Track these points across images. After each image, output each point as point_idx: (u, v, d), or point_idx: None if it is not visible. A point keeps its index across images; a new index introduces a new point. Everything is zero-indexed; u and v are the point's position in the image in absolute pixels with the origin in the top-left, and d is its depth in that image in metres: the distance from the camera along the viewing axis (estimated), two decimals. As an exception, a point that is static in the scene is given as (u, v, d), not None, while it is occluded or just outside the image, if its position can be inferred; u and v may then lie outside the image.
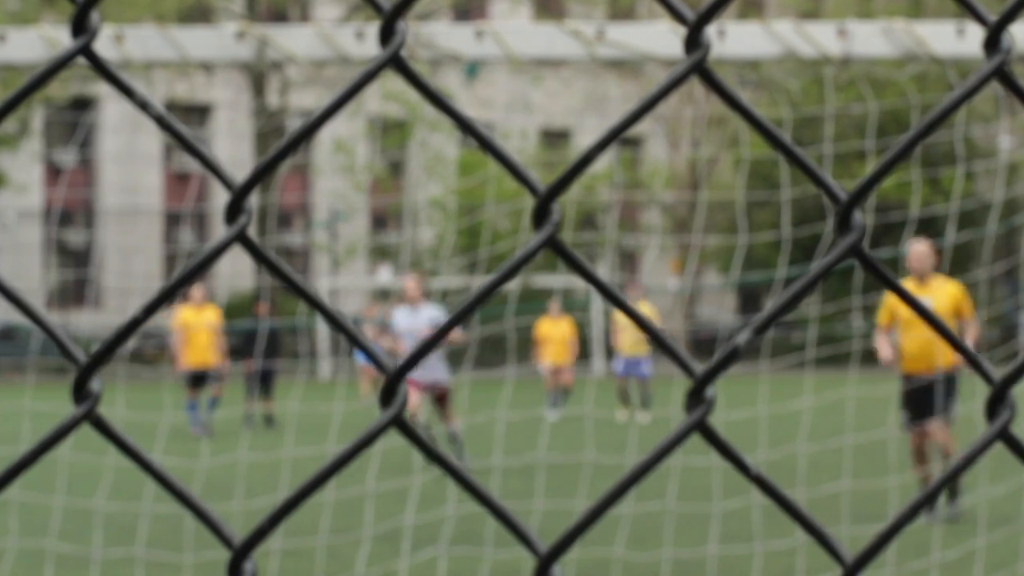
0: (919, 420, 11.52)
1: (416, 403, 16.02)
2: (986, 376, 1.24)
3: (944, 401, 11.50)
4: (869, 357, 18.85)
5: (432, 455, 1.19)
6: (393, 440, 12.12)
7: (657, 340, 1.21)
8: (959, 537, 10.77)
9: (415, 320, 16.09)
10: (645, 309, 24.19)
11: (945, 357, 11.51)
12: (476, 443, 16.83)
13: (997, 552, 10.26)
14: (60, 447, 13.21)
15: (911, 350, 11.55)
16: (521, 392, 23.86)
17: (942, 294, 11.56)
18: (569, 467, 14.78)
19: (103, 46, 6.95)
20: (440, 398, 15.83)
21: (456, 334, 16.21)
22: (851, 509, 11.67)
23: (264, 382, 23.41)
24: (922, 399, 11.48)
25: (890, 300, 11.69)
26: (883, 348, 11.56)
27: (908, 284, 11.57)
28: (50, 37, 7.04)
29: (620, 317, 24.13)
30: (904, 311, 11.48)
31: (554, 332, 25.47)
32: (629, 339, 23.61)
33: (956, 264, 21.92)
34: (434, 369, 15.80)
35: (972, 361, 1.26)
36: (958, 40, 7.31)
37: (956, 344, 1.26)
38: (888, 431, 15.10)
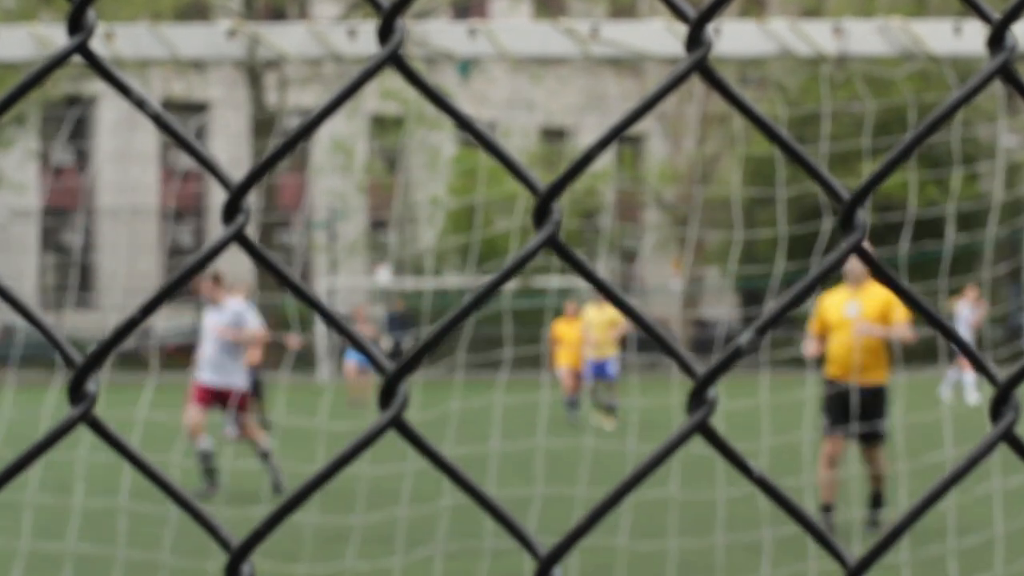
0: (837, 427, 11.56)
1: (199, 420, 14.26)
2: (990, 377, 1.24)
3: (875, 418, 11.57)
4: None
5: (434, 459, 1.19)
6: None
7: (659, 341, 1.20)
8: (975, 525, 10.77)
9: (220, 318, 14.53)
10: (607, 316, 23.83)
11: (873, 373, 11.62)
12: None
13: (968, 557, 10.27)
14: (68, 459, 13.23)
15: (836, 354, 11.67)
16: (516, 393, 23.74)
17: (872, 299, 11.68)
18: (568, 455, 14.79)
19: (93, 44, 6.93)
20: (239, 407, 14.35)
21: (253, 334, 14.63)
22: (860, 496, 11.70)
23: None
24: (844, 407, 11.58)
25: (820, 308, 11.84)
26: (810, 346, 11.78)
27: (842, 290, 11.76)
28: (41, 35, 7.04)
29: (589, 318, 23.80)
30: (832, 316, 11.64)
31: (571, 333, 24.17)
32: (593, 342, 23.33)
33: (959, 265, 21.93)
34: (226, 372, 14.37)
35: (976, 362, 1.25)
36: (956, 38, 7.31)
37: (959, 343, 1.26)
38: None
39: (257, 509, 12.25)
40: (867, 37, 7.39)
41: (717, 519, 11.00)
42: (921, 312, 1.25)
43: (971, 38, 7.22)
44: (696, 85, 41.70)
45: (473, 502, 1.20)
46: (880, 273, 1.22)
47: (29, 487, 12.01)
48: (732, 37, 7.34)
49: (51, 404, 10.82)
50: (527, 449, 14.30)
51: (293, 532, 10.89)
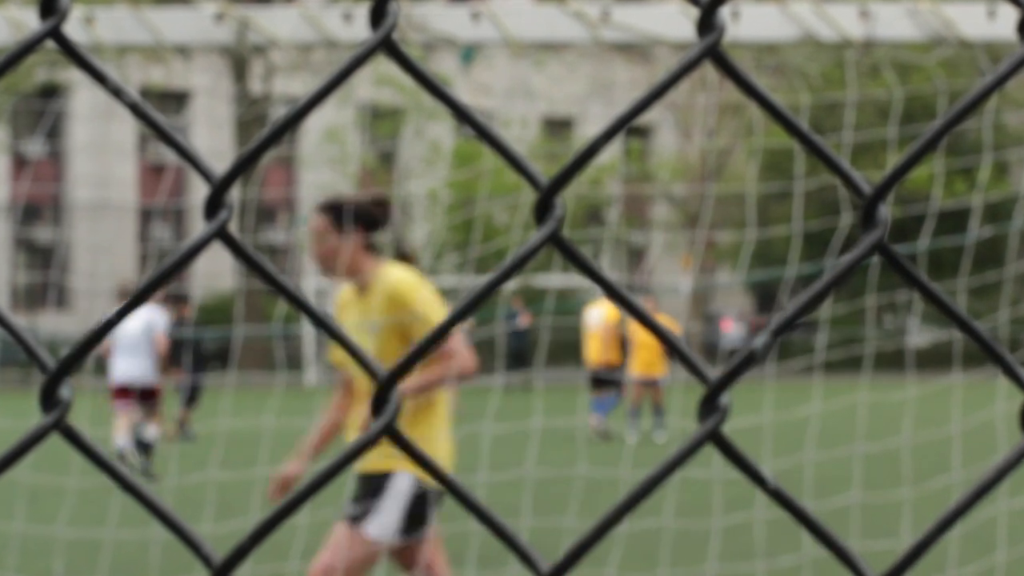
0: None
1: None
2: (1020, 382, 1.24)
3: None
4: (883, 360, 18.70)
5: (429, 467, 1.19)
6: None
7: (668, 344, 1.21)
8: (978, 552, 10.78)
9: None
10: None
11: None
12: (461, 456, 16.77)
13: (1018, 568, 10.28)
14: (20, 466, 13.20)
15: None
16: (513, 401, 23.69)
17: None
18: (559, 482, 14.77)
19: (72, 29, 6.95)
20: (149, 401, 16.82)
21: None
22: (861, 523, 11.70)
23: (192, 392, 23.17)
24: None
25: None
26: None
27: None
28: (15, 19, 7.04)
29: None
30: None
31: (645, 334, 21.49)
32: None
33: (983, 260, 21.95)
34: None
35: (1005, 365, 1.25)
36: (989, 22, 7.31)
37: (986, 345, 1.26)
38: (902, 439, 15.12)
39: (245, 521, 12.24)
40: (895, 21, 7.39)
41: (710, 550, 11.01)
42: (946, 312, 1.25)
43: (1006, 22, 7.22)
44: (709, 72, 41.63)
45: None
46: (902, 271, 1.22)
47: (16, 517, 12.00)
48: (752, 21, 7.34)
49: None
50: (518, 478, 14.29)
51: (280, 549, 10.90)
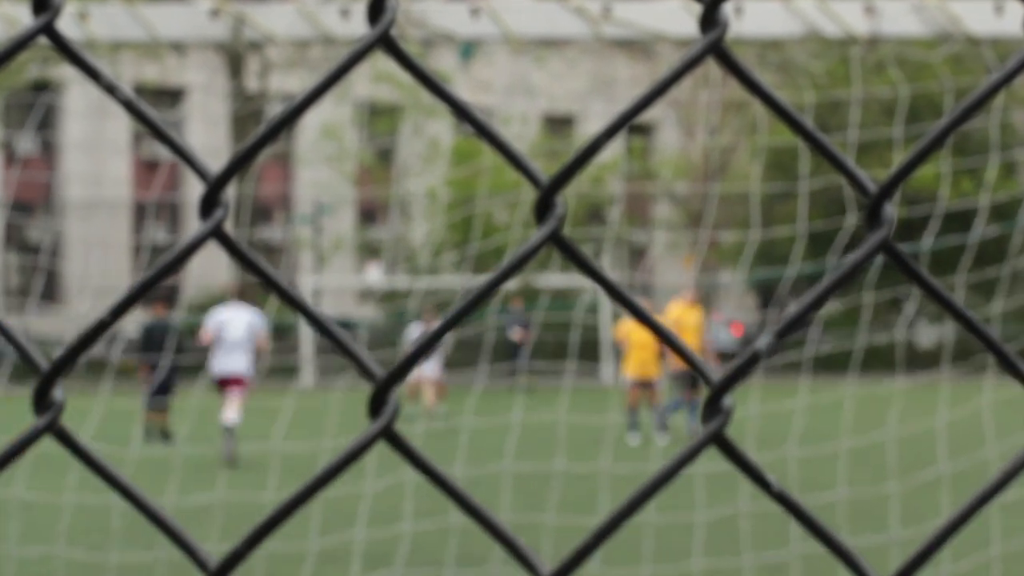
0: None
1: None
2: (1023, 379, 1.24)
3: None
4: (869, 357, 18.73)
5: (427, 471, 1.19)
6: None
7: (671, 345, 1.21)
8: (973, 546, 10.80)
9: None
10: (696, 315, 22.59)
11: None
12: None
13: (1012, 562, 10.32)
14: (14, 481, 13.17)
15: None
16: (497, 399, 23.62)
17: None
18: (537, 477, 14.75)
19: (66, 25, 6.95)
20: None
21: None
22: (849, 517, 11.73)
23: (163, 391, 22.98)
24: None
25: None
26: None
27: None
28: (7, 15, 7.05)
29: None
30: None
31: (641, 334, 21.67)
32: None
33: (987, 259, 21.94)
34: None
35: (1008, 362, 1.26)
36: (996, 18, 7.31)
37: (989, 342, 1.26)
38: (887, 432, 15.15)
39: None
40: (901, 17, 7.40)
41: (694, 543, 11.03)
42: (952, 313, 1.25)
43: (1013, 18, 7.22)
44: (712, 69, 41.61)
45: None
46: (908, 271, 1.22)
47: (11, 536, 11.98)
48: (755, 17, 7.34)
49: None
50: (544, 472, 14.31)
51: (288, 554, 10.89)
